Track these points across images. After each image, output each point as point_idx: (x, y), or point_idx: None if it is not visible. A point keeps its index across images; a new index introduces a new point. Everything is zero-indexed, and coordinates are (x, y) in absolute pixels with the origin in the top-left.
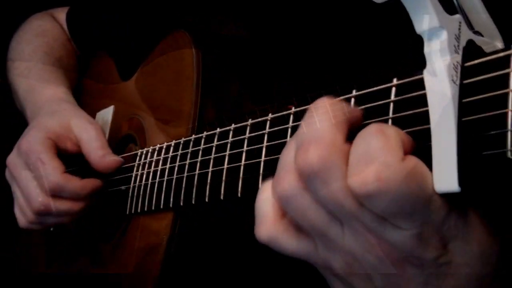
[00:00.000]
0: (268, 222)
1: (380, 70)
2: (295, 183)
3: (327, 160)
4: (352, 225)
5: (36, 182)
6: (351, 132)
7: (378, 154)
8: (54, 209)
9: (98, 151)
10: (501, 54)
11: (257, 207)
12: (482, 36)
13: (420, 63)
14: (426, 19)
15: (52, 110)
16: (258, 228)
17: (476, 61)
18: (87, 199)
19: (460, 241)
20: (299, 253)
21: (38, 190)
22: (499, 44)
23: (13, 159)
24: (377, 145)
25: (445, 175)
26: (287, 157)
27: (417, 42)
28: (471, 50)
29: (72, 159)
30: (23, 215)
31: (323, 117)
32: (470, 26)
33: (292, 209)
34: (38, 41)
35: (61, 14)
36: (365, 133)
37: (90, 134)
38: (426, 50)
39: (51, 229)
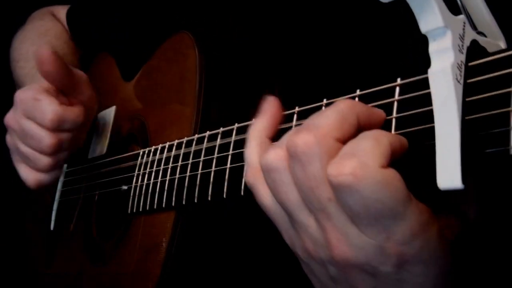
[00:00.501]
0: (253, 168)
1: (384, 70)
2: (280, 158)
3: (310, 148)
4: (319, 218)
5: (39, 123)
6: None
7: (361, 153)
8: (64, 140)
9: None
10: (504, 54)
11: (246, 153)
12: (485, 36)
13: (424, 62)
14: (431, 19)
15: None
16: (245, 172)
17: (480, 61)
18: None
19: (419, 265)
20: (272, 212)
21: (44, 129)
22: (502, 44)
23: (11, 115)
24: (364, 147)
25: (448, 172)
26: (286, 136)
27: (422, 41)
28: (475, 50)
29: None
30: (35, 168)
31: (333, 114)
32: (473, 26)
33: (270, 180)
34: (41, 41)
35: (61, 11)
36: (361, 135)
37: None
38: (431, 49)
39: (51, 228)
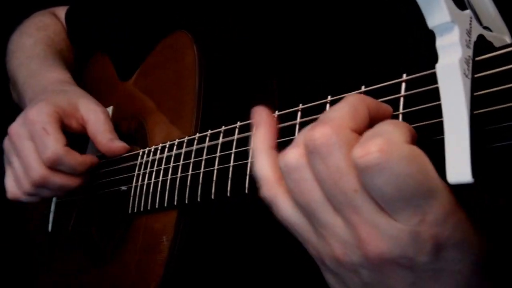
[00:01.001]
0: (269, 182)
1: (389, 66)
2: (299, 156)
3: (329, 139)
4: (346, 214)
5: (37, 153)
6: None
7: (384, 132)
8: (51, 181)
9: (106, 134)
10: (511, 49)
11: (257, 169)
12: (491, 31)
13: (430, 58)
14: (438, 15)
15: (59, 89)
16: (261, 189)
17: (487, 56)
18: (83, 176)
19: (455, 249)
20: (293, 223)
21: (39, 160)
22: (508, 39)
23: (16, 128)
24: (386, 128)
25: (458, 167)
26: (300, 134)
27: (428, 37)
28: (481, 45)
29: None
30: (18, 186)
31: (345, 105)
32: (479, 21)
33: (291, 181)
34: (39, 35)
35: (63, 12)
36: (379, 124)
37: (99, 116)
38: (438, 44)
39: (49, 229)
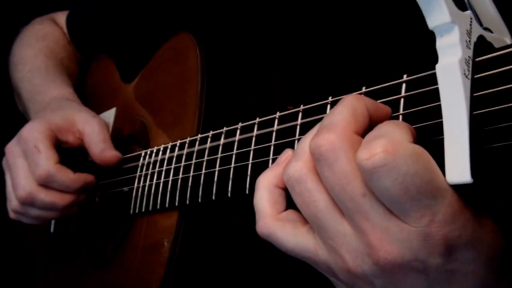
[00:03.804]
0: (266, 217)
1: (389, 67)
2: (300, 168)
3: (334, 144)
4: (355, 220)
5: (27, 170)
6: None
7: (386, 133)
8: (38, 199)
9: (99, 144)
10: (511, 49)
11: (255, 203)
12: (492, 32)
13: (431, 58)
14: (438, 15)
15: (57, 106)
16: (257, 224)
17: (487, 56)
18: (76, 195)
19: (466, 249)
20: (299, 250)
21: (27, 178)
22: (508, 40)
23: (11, 147)
24: (387, 128)
25: (457, 167)
26: (302, 143)
27: (429, 37)
28: (481, 46)
29: (75, 157)
30: (8, 204)
31: (344, 108)
32: (479, 22)
33: (296, 194)
34: (39, 45)
35: (62, 17)
36: (380, 125)
37: (93, 128)
38: (438, 45)
39: (51, 230)
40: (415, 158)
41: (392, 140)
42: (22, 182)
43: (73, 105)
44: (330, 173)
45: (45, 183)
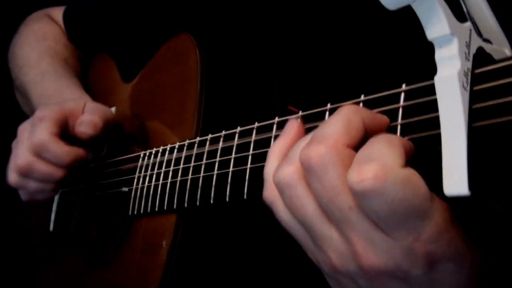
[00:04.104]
0: (271, 188)
1: (389, 75)
2: (293, 173)
3: (323, 157)
4: (342, 228)
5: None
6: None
7: (378, 156)
8: (35, 168)
9: (85, 116)
10: (511, 61)
11: (265, 171)
12: (491, 43)
13: (430, 69)
14: (437, 26)
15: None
16: (263, 191)
17: (486, 68)
18: (68, 168)
19: (449, 263)
20: (292, 230)
21: (27, 149)
22: (508, 52)
23: (24, 125)
24: (379, 149)
25: (455, 179)
26: (296, 149)
27: (428, 48)
28: (481, 57)
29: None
30: (8, 175)
31: (339, 120)
32: (479, 33)
33: (286, 197)
34: (41, 46)
35: (58, 13)
36: (372, 140)
37: (96, 104)
38: (437, 56)
39: (51, 229)
40: (404, 184)
41: (383, 166)
42: (22, 152)
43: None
44: (318, 185)
45: (38, 152)
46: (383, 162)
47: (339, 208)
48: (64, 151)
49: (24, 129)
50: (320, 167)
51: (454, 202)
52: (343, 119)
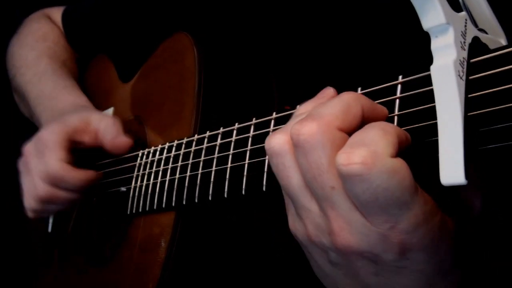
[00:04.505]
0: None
1: (385, 67)
2: (282, 143)
3: (313, 135)
4: (322, 205)
5: (42, 173)
6: None
7: (370, 142)
8: (57, 196)
9: (112, 132)
10: (506, 51)
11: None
12: (487, 33)
13: (426, 59)
14: (433, 16)
15: (74, 111)
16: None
17: (481, 58)
18: (85, 190)
19: (421, 253)
20: (283, 187)
21: (42, 180)
22: (503, 41)
23: (28, 147)
24: (372, 136)
25: (451, 168)
26: (292, 120)
27: (424, 38)
28: (476, 47)
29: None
30: (28, 203)
31: (338, 103)
32: (474, 23)
33: (273, 164)
34: (40, 46)
35: (57, 14)
36: (368, 126)
37: (108, 122)
38: (433, 46)
39: (49, 230)
40: (390, 174)
41: (372, 153)
42: (39, 184)
43: (89, 109)
44: (304, 161)
45: (56, 183)
46: (374, 149)
47: (321, 187)
48: (80, 179)
49: (29, 153)
50: (308, 144)
51: (440, 194)
52: (343, 103)
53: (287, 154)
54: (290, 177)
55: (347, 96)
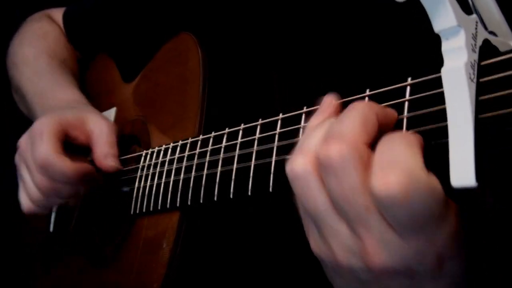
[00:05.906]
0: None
1: (394, 68)
2: (305, 165)
3: (344, 157)
4: (355, 227)
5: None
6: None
7: (400, 160)
8: (62, 188)
9: (104, 148)
10: None
11: (299, 144)
12: (496, 36)
13: (436, 62)
14: (444, 18)
15: (69, 107)
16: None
17: (492, 60)
18: (83, 183)
19: (456, 259)
20: (301, 208)
21: (36, 168)
22: None
23: (23, 140)
24: (400, 152)
25: (462, 171)
26: (310, 139)
27: (435, 41)
28: (487, 49)
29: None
30: (29, 197)
31: (356, 117)
32: (484, 26)
33: (297, 186)
34: (40, 44)
35: (58, 14)
36: (389, 138)
37: (103, 129)
38: (444, 48)
39: (51, 230)
40: (428, 192)
41: (407, 172)
42: (36, 173)
43: (86, 107)
44: (336, 185)
45: (44, 171)
46: (406, 167)
47: (354, 208)
48: (69, 168)
49: (24, 145)
50: (341, 167)
51: (460, 197)
52: (360, 116)
53: (311, 176)
54: (317, 199)
55: (361, 106)
